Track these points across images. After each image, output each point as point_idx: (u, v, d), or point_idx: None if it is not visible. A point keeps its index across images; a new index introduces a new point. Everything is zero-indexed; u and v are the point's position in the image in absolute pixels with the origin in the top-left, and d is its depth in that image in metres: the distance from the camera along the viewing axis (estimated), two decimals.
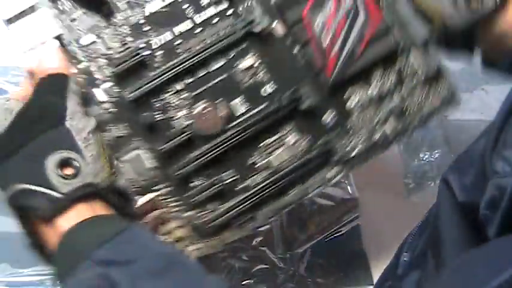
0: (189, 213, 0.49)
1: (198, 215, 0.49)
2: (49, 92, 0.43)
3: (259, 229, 0.69)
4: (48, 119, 0.42)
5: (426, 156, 0.77)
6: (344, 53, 0.48)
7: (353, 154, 0.50)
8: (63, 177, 0.41)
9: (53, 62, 0.45)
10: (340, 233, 0.71)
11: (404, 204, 0.72)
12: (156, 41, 0.48)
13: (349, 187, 0.72)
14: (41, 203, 0.40)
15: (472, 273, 0.29)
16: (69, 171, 0.41)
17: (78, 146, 0.42)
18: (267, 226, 0.70)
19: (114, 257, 0.37)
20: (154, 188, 0.48)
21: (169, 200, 0.49)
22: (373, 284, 0.69)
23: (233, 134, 0.48)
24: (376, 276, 0.69)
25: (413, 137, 0.75)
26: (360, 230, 0.72)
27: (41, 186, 0.40)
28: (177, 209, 0.49)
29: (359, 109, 0.50)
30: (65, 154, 0.41)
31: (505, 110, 0.31)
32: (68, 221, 0.40)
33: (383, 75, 0.50)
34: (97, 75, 0.48)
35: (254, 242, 0.70)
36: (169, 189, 0.48)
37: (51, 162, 0.41)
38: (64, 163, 0.41)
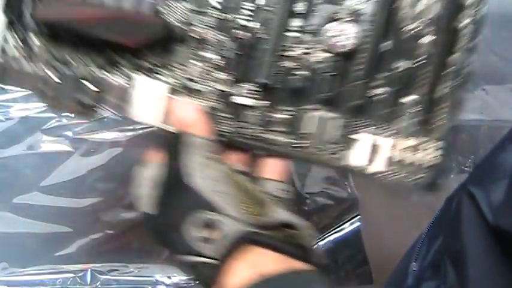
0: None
1: None
2: None
3: None
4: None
5: None
6: None
7: None
8: (207, 242, 0.34)
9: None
10: (340, 232, 0.71)
11: (404, 203, 0.70)
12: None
13: (348, 186, 0.71)
14: (201, 273, 0.34)
15: None
16: (210, 232, 0.34)
17: (213, 200, 0.34)
18: None
19: None
20: None
21: None
22: (372, 283, 0.69)
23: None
24: (376, 275, 0.69)
25: None
26: (359, 229, 0.71)
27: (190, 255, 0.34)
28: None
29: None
30: (201, 215, 0.34)
31: None
32: (232, 277, 0.33)
33: None
34: None
35: None
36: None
37: (191, 230, 0.34)
38: (203, 225, 0.34)
